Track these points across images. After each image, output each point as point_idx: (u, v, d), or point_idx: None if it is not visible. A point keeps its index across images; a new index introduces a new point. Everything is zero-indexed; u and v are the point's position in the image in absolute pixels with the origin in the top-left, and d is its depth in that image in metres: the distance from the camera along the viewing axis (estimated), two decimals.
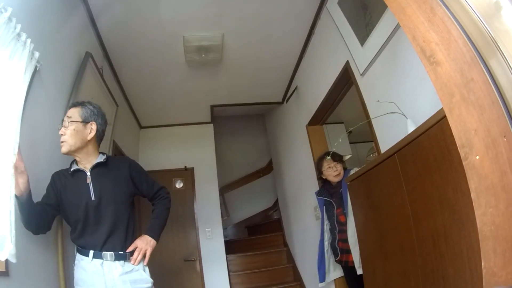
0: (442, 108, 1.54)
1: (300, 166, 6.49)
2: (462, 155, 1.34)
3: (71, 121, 2.72)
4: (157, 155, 7.31)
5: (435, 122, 2.13)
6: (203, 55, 5.33)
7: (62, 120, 2.76)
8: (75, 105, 2.86)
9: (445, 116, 1.48)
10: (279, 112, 7.73)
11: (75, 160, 2.84)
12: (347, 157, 7.15)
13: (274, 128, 8.28)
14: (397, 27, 3.10)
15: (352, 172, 3.97)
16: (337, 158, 4.21)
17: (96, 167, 2.82)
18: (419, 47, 1.52)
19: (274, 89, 7.02)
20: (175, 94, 6.68)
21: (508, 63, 1.22)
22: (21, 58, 2.55)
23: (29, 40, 2.67)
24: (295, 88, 6.43)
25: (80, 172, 2.79)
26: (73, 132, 2.69)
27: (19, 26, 2.54)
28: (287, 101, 6.88)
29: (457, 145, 1.36)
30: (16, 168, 2.22)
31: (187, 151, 7.51)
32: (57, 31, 3.43)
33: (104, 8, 4.26)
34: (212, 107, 7.29)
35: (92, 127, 2.80)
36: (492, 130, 1.22)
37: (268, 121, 8.76)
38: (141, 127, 7.52)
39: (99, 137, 2.89)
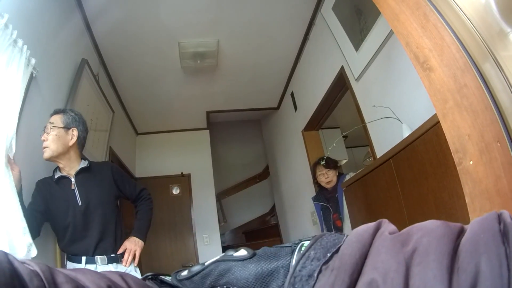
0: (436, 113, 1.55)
1: (296, 171, 6.49)
2: (456, 160, 1.35)
3: (53, 126, 2.72)
4: (154, 161, 7.30)
5: (430, 127, 2.13)
6: (199, 61, 5.34)
7: (45, 127, 2.75)
8: (57, 112, 2.86)
9: (439, 121, 1.48)
10: (275, 117, 7.73)
11: (57, 167, 2.83)
12: (344, 161, 7.15)
13: (270, 133, 8.28)
14: (392, 32, 3.11)
15: (347, 177, 3.97)
16: (330, 165, 4.19)
17: (80, 173, 2.83)
18: (412, 53, 1.53)
19: (269, 95, 7.02)
20: (171, 100, 6.67)
21: (501, 69, 1.23)
22: (18, 65, 2.55)
23: (25, 47, 2.67)
24: (291, 94, 6.44)
25: (65, 178, 2.79)
26: (55, 138, 2.69)
27: (15, 33, 2.55)
28: (296, 110, 6.85)
29: (451, 150, 1.37)
30: (9, 161, 2.26)
31: (183, 157, 7.50)
32: (54, 38, 3.44)
33: (100, 15, 4.26)
34: (208, 113, 7.28)
35: (74, 133, 2.81)
36: (485, 135, 1.23)
37: (264, 126, 8.75)
38: (137, 133, 7.50)
39: (80, 143, 2.89)
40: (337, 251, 0.38)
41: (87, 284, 0.37)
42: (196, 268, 0.53)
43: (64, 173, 2.79)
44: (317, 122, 5.70)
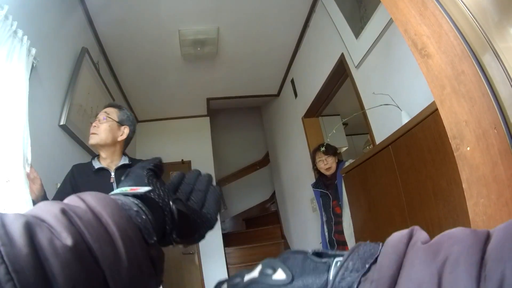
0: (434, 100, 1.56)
1: (296, 158, 6.50)
2: (453, 146, 1.36)
3: (108, 117, 2.75)
4: (154, 148, 7.30)
5: (429, 114, 2.14)
6: (199, 49, 5.34)
7: (97, 114, 2.80)
8: (113, 105, 2.90)
9: (438, 108, 1.49)
10: (275, 104, 7.74)
11: (96, 157, 2.84)
12: (344, 149, 7.16)
13: (270, 120, 8.29)
14: (391, 20, 3.10)
15: (347, 164, 3.97)
16: (330, 151, 4.18)
17: (120, 168, 2.81)
18: (410, 40, 1.54)
19: (270, 82, 7.03)
20: (171, 88, 6.68)
21: (498, 56, 1.24)
22: (19, 56, 2.57)
23: (25, 37, 2.68)
24: (291, 80, 6.44)
25: (104, 170, 2.78)
26: (107, 128, 2.72)
27: (15, 24, 2.56)
28: (296, 96, 6.85)
29: (449, 136, 1.38)
30: (28, 176, 2.27)
31: (183, 145, 7.51)
32: (54, 27, 3.44)
33: (100, 4, 4.26)
34: (208, 100, 7.29)
35: (125, 131, 2.83)
36: (482, 122, 1.24)
37: (265, 113, 8.76)
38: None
39: (126, 142, 2.90)
40: (374, 261, 0.39)
41: (39, 214, 0.38)
42: (237, 281, 0.50)
43: (104, 165, 2.78)
44: (317, 109, 5.71)
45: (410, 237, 0.39)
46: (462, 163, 1.33)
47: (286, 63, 6.39)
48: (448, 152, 1.92)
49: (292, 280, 0.44)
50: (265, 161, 9.59)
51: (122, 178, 0.59)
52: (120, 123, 2.81)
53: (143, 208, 0.49)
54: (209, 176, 0.70)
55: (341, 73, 4.55)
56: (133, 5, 4.43)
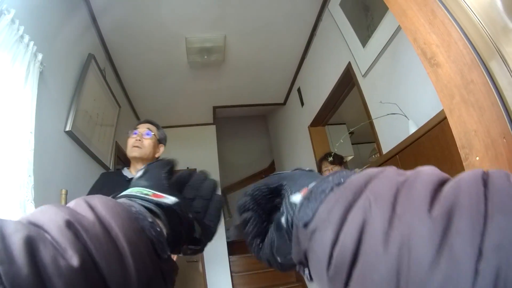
0: (443, 109, 1.55)
1: (302, 167, 6.46)
2: (462, 156, 1.35)
3: (153, 134, 2.88)
4: (160, 156, 7.29)
5: (436, 123, 2.14)
6: (205, 57, 5.35)
7: (137, 127, 2.89)
8: (153, 123, 3.01)
9: (446, 117, 1.48)
10: (281, 113, 7.74)
11: (126, 168, 2.90)
12: (349, 158, 7.15)
13: (276, 129, 8.29)
14: (399, 28, 3.10)
15: None
16: (336, 161, 4.15)
17: None
18: (420, 49, 1.53)
19: (276, 91, 7.03)
20: (177, 96, 6.69)
21: (508, 65, 1.23)
22: (26, 61, 2.57)
23: (32, 43, 2.69)
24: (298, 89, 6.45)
25: None
26: (151, 144, 2.86)
27: (22, 28, 2.56)
28: (302, 105, 6.85)
29: (458, 146, 1.37)
30: None
31: (189, 152, 7.51)
32: (60, 33, 3.45)
33: (106, 10, 4.28)
34: (215, 108, 7.30)
35: (161, 149, 3.00)
36: (492, 131, 1.23)
37: (270, 122, 8.76)
38: None
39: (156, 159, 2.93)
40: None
41: (42, 223, 0.36)
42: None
43: (132, 176, 2.79)
44: (323, 118, 5.70)
45: (385, 168, 0.43)
46: None
47: (292, 71, 6.39)
48: (456, 162, 1.91)
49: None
50: (271, 169, 9.57)
51: (139, 174, 0.60)
52: (159, 141, 2.97)
53: (161, 217, 0.48)
54: (215, 183, 0.70)
55: (348, 81, 4.55)
56: (140, 13, 4.45)
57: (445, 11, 1.41)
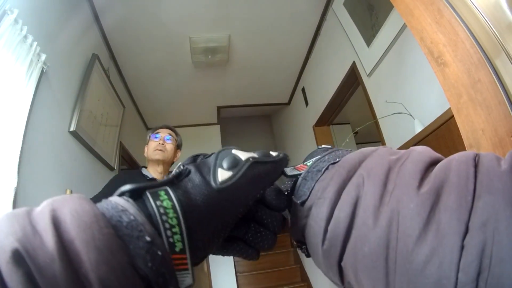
0: (449, 108, 1.55)
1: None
2: None
3: (174, 139, 2.97)
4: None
5: (443, 122, 2.13)
6: (210, 56, 5.35)
7: (157, 131, 2.95)
8: (172, 129, 3.06)
9: (452, 116, 1.48)
10: (285, 113, 7.74)
11: (144, 168, 2.96)
12: None
13: (280, 129, 8.29)
14: (403, 27, 3.10)
15: None
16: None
17: None
18: (426, 49, 1.53)
19: (280, 90, 7.03)
20: (182, 95, 6.69)
21: None
22: (27, 61, 2.57)
23: (35, 43, 2.69)
24: (303, 89, 6.44)
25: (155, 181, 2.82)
26: (173, 148, 2.94)
27: (25, 28, 2.57)
28: (307, 105, 6.85)
29: (465, 145, 1.37)
30: None
31: (194, 152, 7.44)
32: (63, 33, 3.45)
33: (109, 10, 4.28)
34: (219, 108, 7.30)
35: (178, 155, 3.05)
36: (499, 130, 1.23)
37: (275, 122, 8.76)
38: (147, 128, 7.51)
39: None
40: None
41: None
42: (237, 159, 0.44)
43: (152, 177, 2.89)
44: (328, 117, 5.69)
45: (380, 147, 0.45)
46: None
47: (297, 71, 6.39)
48: None
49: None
50: None
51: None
52: (178, 147, 3.03)
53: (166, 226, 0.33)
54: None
55: (352, 81, 4.54)
56: (144, 13, 4.45)
57: (452, 11, 1.40)
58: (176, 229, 0.33)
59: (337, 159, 0.44)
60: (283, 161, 0.49)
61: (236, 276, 6.82)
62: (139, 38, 4.89)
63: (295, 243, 0.49)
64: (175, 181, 0.38)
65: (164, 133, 2.92)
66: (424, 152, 0.39)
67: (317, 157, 0.49)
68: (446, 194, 0.31)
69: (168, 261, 0.30)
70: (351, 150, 0.48)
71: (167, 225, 0.32)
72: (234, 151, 0.44)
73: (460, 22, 1.37)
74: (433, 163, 0.37)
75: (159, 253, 0.30)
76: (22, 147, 2.40)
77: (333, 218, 0.39)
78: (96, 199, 0.95)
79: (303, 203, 0.44)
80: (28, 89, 2.56)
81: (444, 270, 0.28)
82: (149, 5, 4.34)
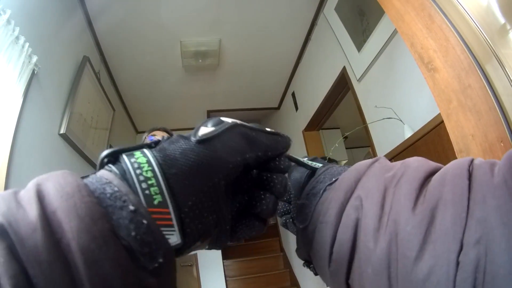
0: (439, 114, 1.55)
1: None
2: None
3: None
4: None
5: (432, 128, 2.14)
6: (200, 60, 5.34)
7: (152, 132, 2.89)
8: (169, 132, 2.97)
9: (442, 122, 1.49)
10: (275, 117, 7.74)
11: None
12: (344, 162, 7.15)
13: None
14: (394, 33, 3.11)
15: None
16: None
17: None
18: (417, 54, 1.53)
19: (270, 95, 7.03)
20: (172, 99, 6.67)
21: (505, 70, 1.23)
22: (19, 62, 2.55)
23: (27, 44, 2.68)
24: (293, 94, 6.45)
25: None
26: None
27: (17, 29, 2.55)
28: (297, 110, 6.86)
29: (455, 150, 1.38)
30: None
31: None
32: (55, 35, 3.44)
33: (102, 12, 4.26)
34: (209, 112, 7.27)
35: None
36: (489, 136, 1.23)
37: (265, 126, 8.72)
38: (137, 131, 7.49)
39: None
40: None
41: None
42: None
43: None
44: (318, 122, 5.70)
45: (374, 162, 0.45)
46: None
47: (287, 76, 6.39)
48: None
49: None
50: None
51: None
52: None
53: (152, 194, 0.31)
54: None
55: (342, 86, 4.55)
56: (136, 16, 4.44)
57: (443, 16, 1.41)
58: (152, 181, 0.31)
59: (333, 179, 0.45)
60: (279, 137, 0.48)
61: (226, 281, 6.81)
62: (130, 41, 4.88)
63: (302, 261, 0.52)
64: (153, 144, 0.35)
65: (160, 136, 2.81)
66: (418, 167, 0.39)
67: (314, 177, 0.49)
68: (441, 213, 0.32)
69: (154, 229, 0.29)
70: (345, 167, 0.49)
71: (141, 178, 0.31)
72: (222, 118, 0.42)
73: (451, 28, 1.38)
74: (429, 175, 0.38)
75: (144, 221, 0.28)
76: (11, 149, 2.38)
77: (336, 241, 0.40)
78: None
79: (305, 227, 0.45)
80: (19, 91, 2.55)
81: (441, 287, 0.30)
82: (141, 8, 4.33)
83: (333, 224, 0.41)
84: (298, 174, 0.53)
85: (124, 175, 0.31)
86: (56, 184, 0.29)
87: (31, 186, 0.29)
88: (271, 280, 6.95)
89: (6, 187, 2.24)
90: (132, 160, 0.32)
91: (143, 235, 0.28)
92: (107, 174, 0.31)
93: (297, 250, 0.50)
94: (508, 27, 1.28)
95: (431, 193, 0.34)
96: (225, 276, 6.86)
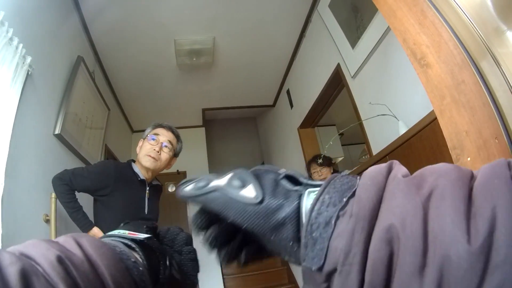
0: (433, 110, 1.54)
1: (292, 168, 6.46)
2: (453, 157, 1.34)
3: (172, 149, 2.78)
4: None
5: (427, 124, 2.14)
6: (195, 59, 5.34)
7: (156, 135, 2.74)
8: (176, 134, 2.89)
9: (436, 118, 1.47)
10: (270, 115, 7.75)
11: (133, 162, 2.81)
12: (339, 159, 7.16)
13: (266, 131, 8.29)
14: (388, 29, 3.11)
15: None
16: (324, 163, 4.12)
17: (153, 186, 2.84)
18: (409, 50, 1.52)
19: (265, 92, 7.04)
20: (167, 98, 6.67)
21: (499, 65, 1.23)
22: (13, 64, 2.54)
23: (21, 45, 2.67)
24: (288, 91, 6.45)
25: (143, 183, 2.76)
26: (168, 159, 2.76)
27: (11, 30, 2.54)
28: (292, 107, 6.86)
29: (449, 147, 1.37)
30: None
31: (179, 155, 7.48)
32: (50, 36, 3.43)
33: (96, 12, 4.26)
34: (204, 110, 7.29)
35: (172, 162, 2.88)
36: (483, 132, 1.23)
37: (260, 124, 8.77)
38: (133, 131, 7.49)
39: None
40: (352, 194, 0.37)
41: (34, 257, 0.36)
42: (201, 185, 0.45)
43: (143, 178, 2.74)
44: (313, 119, 5.71)
45: (390, 170, 0.38)
46: None
47: (282, 73, 6.40)
48: (447, 162, 1.91)
49: (261, 202, 0.42)
50: None
51: (122, 224, 0.60)
52: (174, 155, 2.85)
53: (141, 257, 0.49)
54: (188, 237, 0.68)
55: (337, 83, 4.55)
56: (129, 15, 4.43)
57: (435, 11, 1.40)
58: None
59: (344, 199, 0.37)
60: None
61: (223, 278, 6.82)
62: (124, 41, 4.87)
63: None
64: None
65: (164, 138, 2.73)
66: (454, 178, 0.32)
67: (311, 193, 0.41)
68: (499, 237, 0.27)
69: (147, 274, 0.47)
70: (351, 177, 0.41)
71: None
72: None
73: (444, 23, 1.37)
74: (470, 189, 0.31)
75: (141, 268, 0.46)
76: (8, 151, 2.38)
77: (366, 283, 0.33)
78: (79, 172, 2.20)
79: (320, 268, 0.36)
80: (13, 92, 2.54)
81: None
82: (135, 8, 4.32)
83: (360, 265, 0.33)
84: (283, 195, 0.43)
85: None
86: (88, 240, 0.43)
87: (69, 239, 0.42)
88: (269, 277, 6.96)
89: (3, 189, 2.24)
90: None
91: (141, 275, 0.46)
92: (112, 242, 0.50)
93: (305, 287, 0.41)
94: (501, 21, 1.27)
95: (483, 215, 0.28)
96: (223, 274, 6.87)
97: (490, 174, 0.31)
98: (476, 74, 1.26)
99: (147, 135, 2.73)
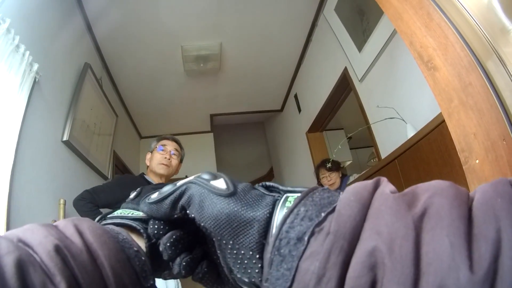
0: (441, 112, 1.53)
1: (301, 173, 6.47)
2: (462, 159, 1.34)
3: (179, 154, 3.05)
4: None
5: (435, 127, 2.13)
6: (202, 64, 5.35)
7: (163, 144, 2.98)
8: (178, 143, 3.15)
9: (444, 120, 1.47)
10: (278, 119, 7.73)
11: (144, 174, 2.99)
12: (348, 163, 7.14)
13: (274, 135, 8.27)
14: (395, 32, 3.10)
15: (351, 178, 3.95)
16: (333, 167, 4.11)
17: None
18: (416, 53, 1.52)
19: (273, 97, 7.03)
20: (174, 104, 6.68)
21: (506, 67, 1.22)
22: (20, 71, 2.55)
23: (27, 52, 2.68)
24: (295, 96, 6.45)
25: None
26: (177, 164, 3.03)
27: (17, 38, 2.55)
28: (300, 111, 6.86)
29: (457, 149, 1.36)
30: None
31: (187, 161, 7.41)
32: (56, 42, 3.44)
33: (102, 19, 4.27)
34: (212, 116, 7.29)
35: (179, 168, 3.08)
36: (491, 134, 1.22)
37: (268, 128, 8.75)
38: (141, 137, 7.50)
39: None
40: (332, 210, 0.32)
41: (32, 244, 0.35)
42: (166, 189, 0.43)
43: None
44: (321, 123, 5.69)
45: (376, 186, 0.33)
46: (471, 176, 1.30)
47: (289, 78, 6.40)
48: (456, 165, 1.90)
49: (232, 195, 0.38)
50: (269, 176, 9.54)
51: (132, 196, 0.59)
52: (180, 161, 3.09)
53: (145, 237, 0.45)
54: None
55: (344, 87, 4.54)
56: (135, 22, 4.44)
57: (441, 14, 1.40)
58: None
59: (322, 214, 0.32)
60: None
61: None
62: (131, 47, 4.89)
63: None
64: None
65: (170, 147, 2.96)
66: (451, 196, 0.28)
67: (282, 206, 0.36)
68: (505, 263, 0.23)
69: (149, 263, 0.44)
70: (333, 192, 0.36)
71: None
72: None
73: (450, 26, 1.37)
74: (470, 208, 0.28)
75: (143, 258, 0.43)
76: (15, 157, 2.39)
77: None
78: (100, 188, 2.20)
79: None
80: (21, 99, 2.55)
81: None
82: (141, 14, 4.33)
83: None
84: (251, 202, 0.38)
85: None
86: (89, 226, 0.41)
87: (69, 224, 0.41)
88: None
89: (9, 195, 2.25)
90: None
91: (142, 265, 0.43)
92: (115, 228, 0.46)
93: None
94: (508, 23, 1.27)
95: (486, 236, 0.25)
96: None
97: (492, 192, 0.28)
98: (483, 76, 1.26)
99: (154, 147, 2.95)
